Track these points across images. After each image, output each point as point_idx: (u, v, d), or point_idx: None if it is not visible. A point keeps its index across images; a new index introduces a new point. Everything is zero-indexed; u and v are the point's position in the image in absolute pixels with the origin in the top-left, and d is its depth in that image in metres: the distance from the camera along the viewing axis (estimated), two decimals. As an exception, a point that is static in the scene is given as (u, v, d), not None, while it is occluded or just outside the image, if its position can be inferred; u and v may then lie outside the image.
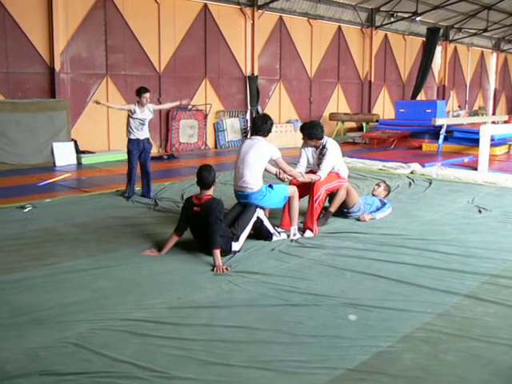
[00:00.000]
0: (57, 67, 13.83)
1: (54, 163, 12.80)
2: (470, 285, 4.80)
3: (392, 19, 23.44)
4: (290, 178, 6.58)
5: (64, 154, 13.04)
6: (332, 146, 6.82)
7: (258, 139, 6.09)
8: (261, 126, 6.12)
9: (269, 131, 6.20)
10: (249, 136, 6.29)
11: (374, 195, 7.83)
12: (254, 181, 5.94)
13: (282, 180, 6.55)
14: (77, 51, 14.38)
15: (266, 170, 6.18)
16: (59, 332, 3.77)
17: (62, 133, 13.14)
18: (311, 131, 6.79)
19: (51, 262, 5.36)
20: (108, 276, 4.98)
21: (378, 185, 8.04)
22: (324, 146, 6.82)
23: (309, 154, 6.99)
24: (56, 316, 4.05)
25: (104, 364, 3.35)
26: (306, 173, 6.83)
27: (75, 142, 13.50)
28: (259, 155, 5.96)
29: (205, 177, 5.54)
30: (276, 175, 6.44)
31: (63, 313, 4.11)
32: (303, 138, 6.91)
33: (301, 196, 6.57)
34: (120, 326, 3.90)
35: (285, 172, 6.36)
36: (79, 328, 3.84)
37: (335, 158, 6.85)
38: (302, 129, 6.90)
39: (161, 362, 3.38)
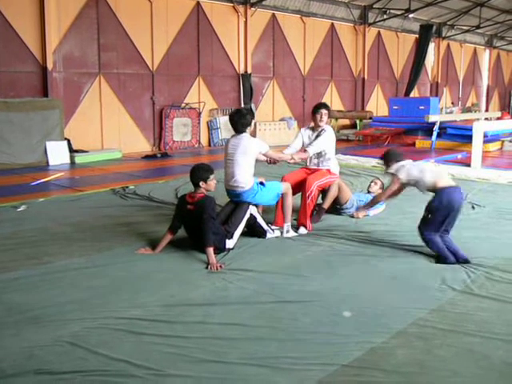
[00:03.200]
0: (49, 66, 13.80)
1: (48, 162, 12.78)
2: (463, 280, 4.83)
3: (385, 16, 23.48)
4: (282, 161, 6.73)
5: (57, 153, 13.01)
6: (330, 131, 6.98)
7: (242, 136, 6.04)
8: (239, 121, 6.01)
9: (249, 124, 6.08)
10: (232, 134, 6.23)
11: (369, 192, 7.83)
12: (244, 179, 5.94)
13: (274, 163, 6.75)
14: (69, 50, 14.34)
15: (256, 159, 6.18)
16: (54, 331, 3.77)
17: (55, 132, 13.11)
18: (329, 108, 7.05)
19: (45, 261, 5.35)
20: (102, 275, 4.97)
21: (375, 182, 7.98)
22: (323, 129, 6.93)
23: (305, 136, 7.05)
24: (51, 315, 4.05)
25: (99, 362, 3.35)
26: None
27: (68, 141, 13.47)
28: (247, 152, 5.95)
29: (192, 174, 5.59)
30: (267, 162, 6.61)
31: (58, 312, 4.11)
32: (319, 117, 6.88)
33: (293, 193, 6.59)
34: (115, 324, 3.90)
35: (276, 160, 6.55)
36: (74, 327, 3.83)
37: (329, 141, 6.93)
38: (324, 105, 7.01)
39: (155, 360, 3.38)
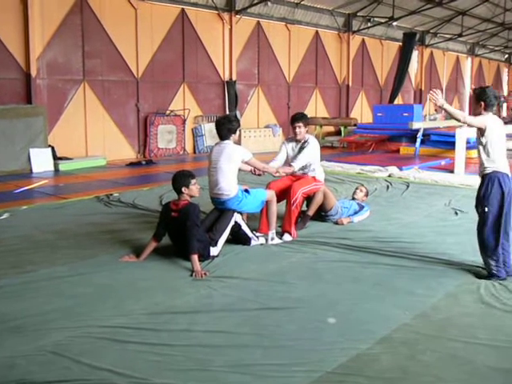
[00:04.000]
0: (33, 73, 13.71)
1: (31, 170, 12.69)
2: (447, 285, 4.87)
3: (369, 24, 23.64)
4: (265, 172, 6.62)
5: (41, 161, 12.92)
6: (313, 143, 6.94)
7: (226, 143, 6.05)
8: (225, 126, 6.04)
9: (235, 131, 6.10)
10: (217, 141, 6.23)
11: (354, 198, 7.85)
12: (229, 187, 5.94)
13: (259, 175, 6.67)
14: (53, 56, 14.27)
15: (239, 169, 6.20)
16: (37, 340, 3.73)
17: (39, 139, 13.03)
18: (307, 118, 7.02)
19: (29, 269, 5.30)
20: (86, 283, 4.94)
21: (360, 189, 7.99)
22: (306, 141, 6.91)
23: (289, 148, 7.04)
24: (33, 324, 4.01)
25: (82, 371, 3.32)
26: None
27: (52, 148, 13.39)
28: (230, 160, 5.95)
29: (174, 181, 5.62)
30: (251, 172, 6.57)
31: (41, 321, 4.07)
32: (297, 127, 6.87)
33: (278, 200, 6.60)
34: (99, 332, 3.87)
35: (259, 170, 6.45)
36: (57, 336, 3.80)
37: (314, 154, 6.93)
38: (298, 117, 6.91)
39: (140, 369, 3.36)
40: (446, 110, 5.01)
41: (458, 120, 4.98)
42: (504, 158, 5.08)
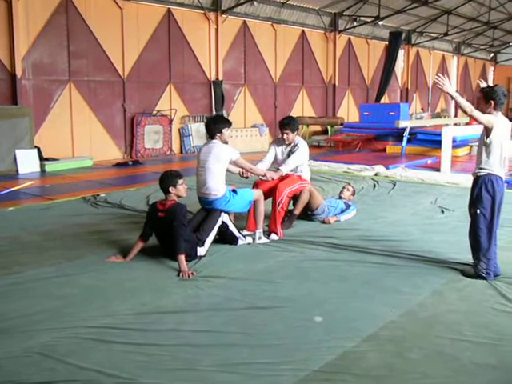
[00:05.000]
0: (18, 73, 13.61)
1: (17, 171, 12.61)
2: (433, 283, 4.90)
3: (355, 23, 23.70)
4: (254, 175, 6.64)
5: (27, 162, 12.84)
6: (303, 147, 6.94)
7: (214, 143, 6.07)
8: (213, 126, 6.08)
9: (222, 127, 6.09)
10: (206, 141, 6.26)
11: (341, 197, 7.87)
12: (217, 186, 5.95)
13: (246, 178, 6.68)
14: (38, 57, 14.18)
15: (228, 170, 6.21)
16: (23, 341, 3.72)
17: (25, 140, 12.95)
18: (294, 124, 6.93)
19: (15, 270, 5.27)
20: (73, 283, 4.92)
21: (347, 189, 8.00)
22: (296, 145, 6.91)
23: (278, 150, 7.05)
24: (20, 325, 3.99)
25: (69, 372, 3.31)
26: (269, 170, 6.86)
27: (38, 149, 13.31)
28: (219, 160, 5.96)
29: (161, 181, 5.62)
30: (239, 174, 6.57)
31: (27, 322, 4.05)
32: (284, 134, 6.87)
33: (266, 198, 6.61)
34: (85, 333, 3.86)
35: (246, 170, 6.45)
36: (44, 337, 3.79)
37: (303, 158, 6.94)
38: (286, 124, 6.88)
39: (127, 369, 3.36)
40: (453, 98, 4.87)
41: (465, 112, 4.84)
42: (501, 161, 5.03)
